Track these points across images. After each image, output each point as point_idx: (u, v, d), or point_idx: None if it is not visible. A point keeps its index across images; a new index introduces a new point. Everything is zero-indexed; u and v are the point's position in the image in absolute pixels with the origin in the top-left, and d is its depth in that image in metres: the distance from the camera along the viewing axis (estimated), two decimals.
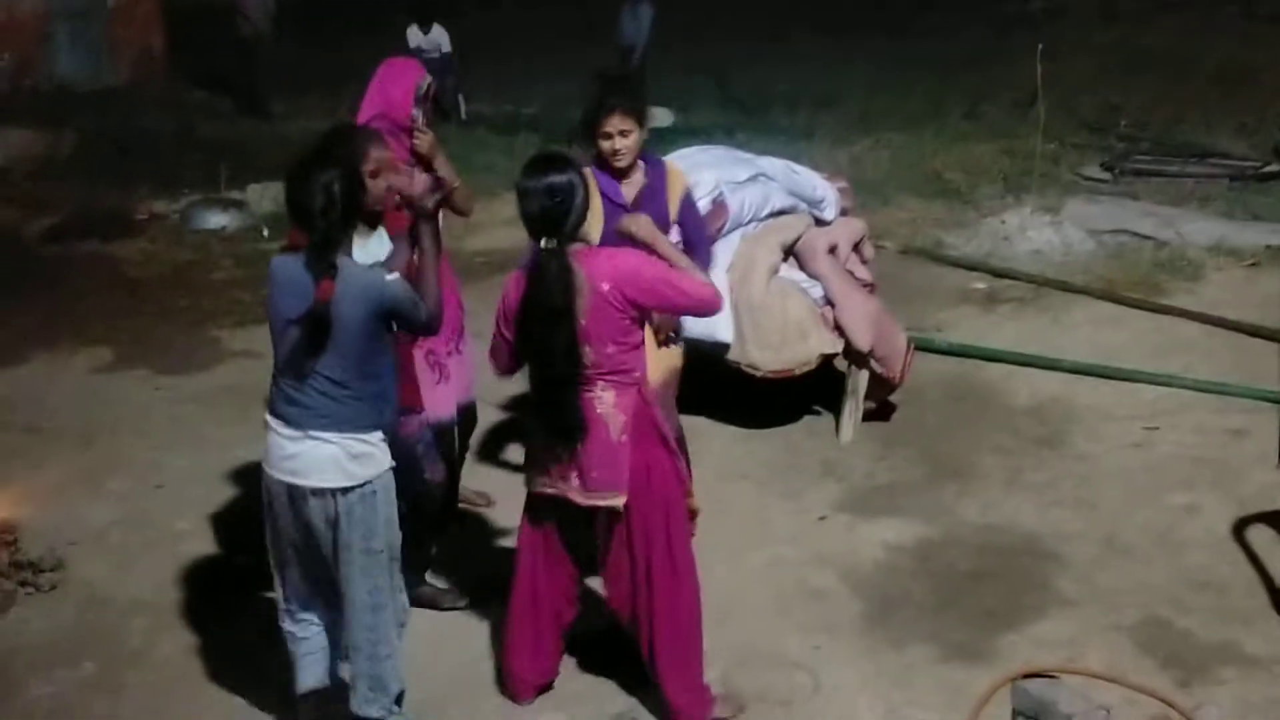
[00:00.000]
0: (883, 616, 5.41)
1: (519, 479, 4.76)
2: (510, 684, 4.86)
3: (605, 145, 5.19)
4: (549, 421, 4.46)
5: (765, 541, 6.04)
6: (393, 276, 4.17)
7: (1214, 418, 7.14)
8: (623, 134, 5.17)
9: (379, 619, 4.28)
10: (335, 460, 4.11)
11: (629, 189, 5.30)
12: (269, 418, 4.21)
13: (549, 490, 4.56)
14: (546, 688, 4.88)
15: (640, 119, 5.23)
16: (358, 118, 5.44)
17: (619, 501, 4.50)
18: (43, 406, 7.55)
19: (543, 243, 4.33)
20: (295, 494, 4.17)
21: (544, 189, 4.34)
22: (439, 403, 5.39)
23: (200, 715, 4.81)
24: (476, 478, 6.32)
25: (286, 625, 4.48)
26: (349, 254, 4.16)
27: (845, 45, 19.59)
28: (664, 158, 5.57)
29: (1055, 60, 13.44)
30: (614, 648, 4.91)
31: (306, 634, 4.48)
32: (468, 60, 16.54)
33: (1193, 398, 7.38)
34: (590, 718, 4.77)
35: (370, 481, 4.16)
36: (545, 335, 4.33)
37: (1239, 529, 5.90)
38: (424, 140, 5.35)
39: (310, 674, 4.50)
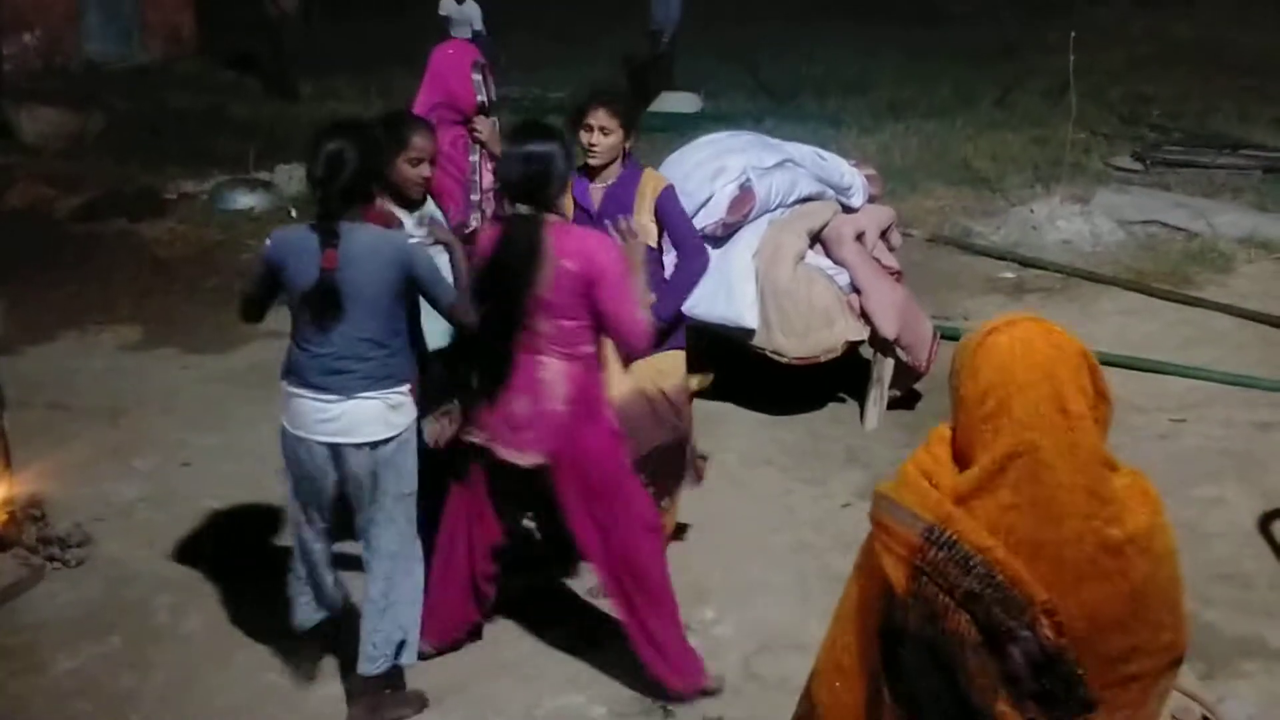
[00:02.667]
0: None
1: None
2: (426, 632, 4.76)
3: (584, 137, 5.10)
4: (489, 371, 4.53)
5: (789, 527, 6.04)
6: (411, 239, 4.30)
7: (1242, 410, 7.10)
8: (603, 130, 5.06)
9: (395, 566, 4.47)
10: (378, 415, 4.28)
11: (596, 192, 5.20)
12: (298, 389, 4.29)
13: (477, 439, 4.58)
14: (449, 646, 4.90)
15: (625, 123, 5.11)
16: (416, 106, 5.48)
17: (536, 460, 4.52)
18: (71, 384, 7.59)
19: (518, 208, 4.42)
20: (338, 452, 4.30)
21: (523, 155, 4.43)
22: None
23: (226, 691, 4.83)
24: None
25: (298, 582, 4.69)
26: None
27: (876, 33, 19.53)
28: (646, 168, 5.33)
29: (1088, 49, 13.38)
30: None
31: (318, 600, 4.69)
32: (499, 41, 16.51)
33: (1220, 390, 7.35)
34: (609, 697, 4.78)
35: (406, 427, 4.35)
36: (502, 296, 4.41)
37: (1265, 522, 5.88)
38: (482, 128, 5.44)
39: (305, 608, 4.71)
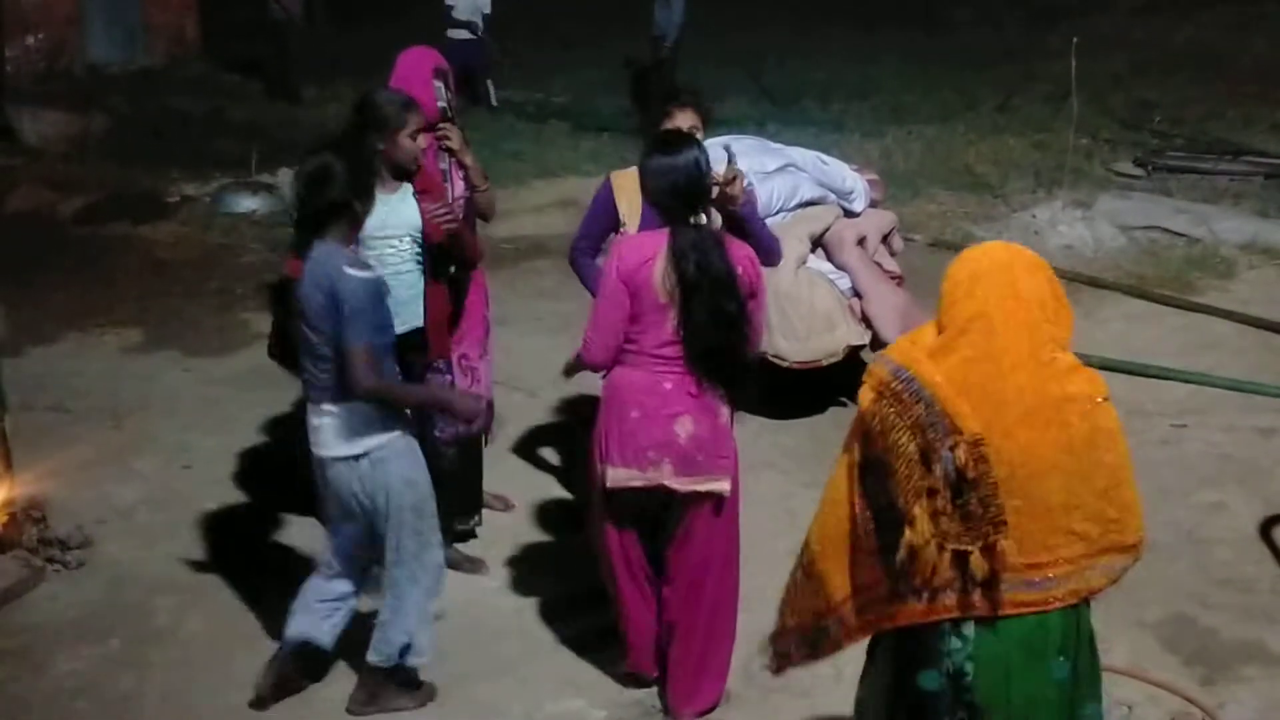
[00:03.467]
0: None
1: (538, 482, 4.74)
2: (642, 665, 4.81)
3: None
4: (653, 399, 4.36)
5: (790, 531, 5.98)
6: (359, 273, 4.20)
7: (1243, 416, 7.10)
8: (693, 129, 4.99)
9: (400, 574, 4.48)
10: (340, 430, 4.30)
11: None
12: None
13: (636, 484, 4.41)
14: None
15: (705, 119, 5.15)
16: None
17: (724, 485, 4.45)
18: (72, 386, 7.59)
19: (693, 219, 4.34)
20: (322, 466, 4.39)
21: (692, 163, 4.35)
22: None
23: (225, 693, 4.83)
24: (498, 480, 6.25)
25: (316, 578, 4.66)
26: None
27: (878, 38, 19.54)
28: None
29: (1090, 55, 13.37)
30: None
31: (328, 593, 4.65)
32: (501, 45, 16.53)
33: (1222, 396, 7.35)
34: (609, 701, 4.79)
35: (381, 447, 4.31)
36: (704, 308, 4.27)
37: (1265, 528, 5.88)
38: (452, 136, 5.34)
39: (306, 623, 4.64)
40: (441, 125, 5.31)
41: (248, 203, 11.36)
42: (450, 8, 15.42)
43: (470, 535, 5.81)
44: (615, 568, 4.65)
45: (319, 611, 4.64)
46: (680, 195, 4.35)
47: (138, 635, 5.21)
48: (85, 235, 10.71)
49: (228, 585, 5.53)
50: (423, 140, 4.98)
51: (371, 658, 4.60)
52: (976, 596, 3.12)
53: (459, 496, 5.53)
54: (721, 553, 4.61)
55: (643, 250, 4.36)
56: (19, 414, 6.05)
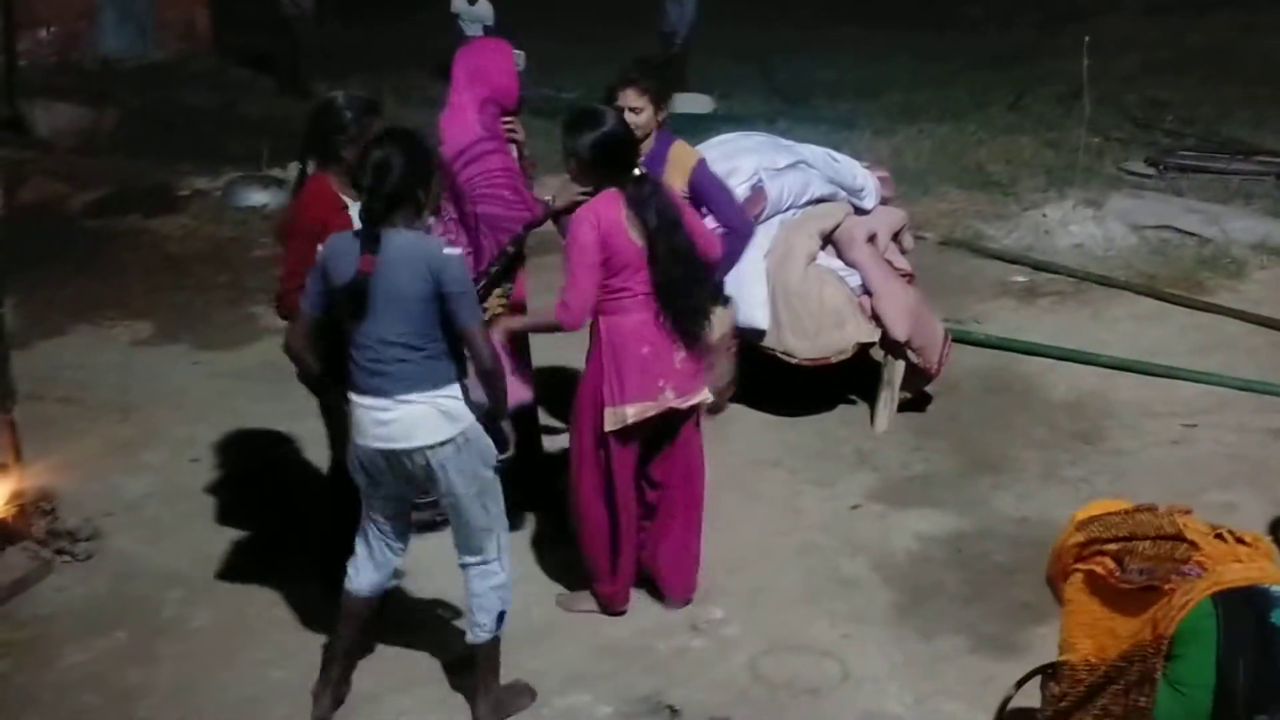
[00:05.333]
0: (914, 607, 5.39)
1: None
2: (614, 603, 5.28)
3: None
4: (688, 323, 4.95)
5: (797, 529, 6.03)
6: (452, 250, 4.28)
7: (1254, 416, 7.08)
8: (633, 110, 5.32)
9: (487, 540, 4.50)
10: (428, 419, 4.27)
11: None
12: (354, 395, 4.32)
13: (650, 414, 4.95)
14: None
15: (656, 99, 5.41)
16: (455, 109, 5.48)
17: (708, 394, 5.15)
18: (82, 379, 7.59)
19: (636, 171, 4.84)
20: (394, 459, 4.32)
21: (619, 127, 4.88)
22: (516, 388, 5.53)
23: (233, 687, 4.84)
24: None
25: (368, 538, 4.60)
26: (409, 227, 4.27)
27: (890, 36, 19.52)
28: (677, 139, 5.55)
29: (1101, 54, 13.31)
30: (636, 629, 4.93)
31: (382, 554, 4.61)
32: (514, 42, 16.51)
33: (1232, 396, 7.33)
34: (616, 696, 4.78)
35: (462, 431, 4.31)
36: (673, 247, 4.82)
37: (1276, 527, 5.85)
38: (518, 128, 5.54)
39: (367, 579, 4.61)
40: (508, 119, 5.41)
41: (258, 197, 11.35)
42: (455, 15, 15.50)
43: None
44: (621, 504, 5.09)
45: (378, 563, 4.61)
46: (621, 158, 4.84)
47: (146, 628, 5.21)
48: (96, 228, 10.72)
49: (236, 578, 5.54)
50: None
51: (478, 635, 4.56)
52: None
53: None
54: (699, 454, 5.29)
55: (605, 212, 4.79)
56: (28, 406, 6.05)
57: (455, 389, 4.31)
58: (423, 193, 4.30)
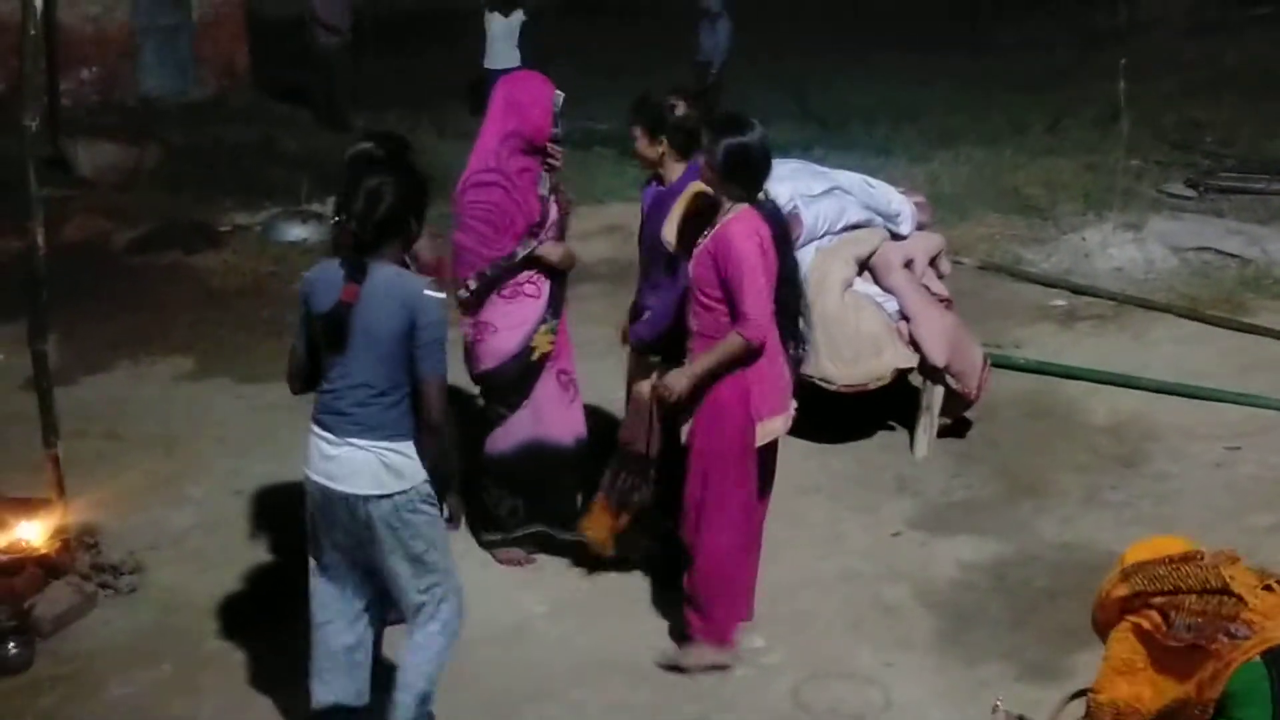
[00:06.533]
0: (956, 633, 5.36)
1: None
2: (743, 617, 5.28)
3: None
4: (796, 341, 5.23)
5: (839, 555, 6.01)
6: (434, 293, 4.10)
7: None
8: (637, 143, 5.54)
9: (420, 619, 4.31)
10: (369, 468, 4.12)
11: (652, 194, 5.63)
12: (311, 423, 4.25)
13: (788, 428, 5.19)
14: None
15: (651, 130, 5.46)
16: (484, 134, 5.51)
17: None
18: (125, 413, 7.66)
19: (763, 194, 4.94)
20: (331, 497, 4.20)
21: (763, 144, 4.92)
22: (574, 422, 5.73)
23: (278, 719, 4.85)
24: None
25: (321, 629, 4.42)
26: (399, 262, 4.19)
27: (925, 62, 19.49)
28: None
29: (1139, 77, 13.29)
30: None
31: (336, 641, 4.41)
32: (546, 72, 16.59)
33: (1276, 418, 7.27)
34: None
35: (405, 492, 4.14)
36: (791, 266, 5.02)
37: None
38: (559, 157, 5.56)
39: (335, 685, 4.42)
40: (549, 147, 5.45)
41: (298, 231, 11.43)
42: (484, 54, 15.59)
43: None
44: (746, 521, 5.09)
45: (343, 666, 4.41)
46: (754, 172, 4.87)
47: (190, 660, 5.24)
48: (138, 265, 10.81)
49: (279, 611, 5.54)
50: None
51: (396, 716, 4.34)
52: None
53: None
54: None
55: (756, 227, 4.82)
56: (73, 441, 6.10)
57: (407, 445, 4.14)
58: (415, 221, 4.21)
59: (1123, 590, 3.73)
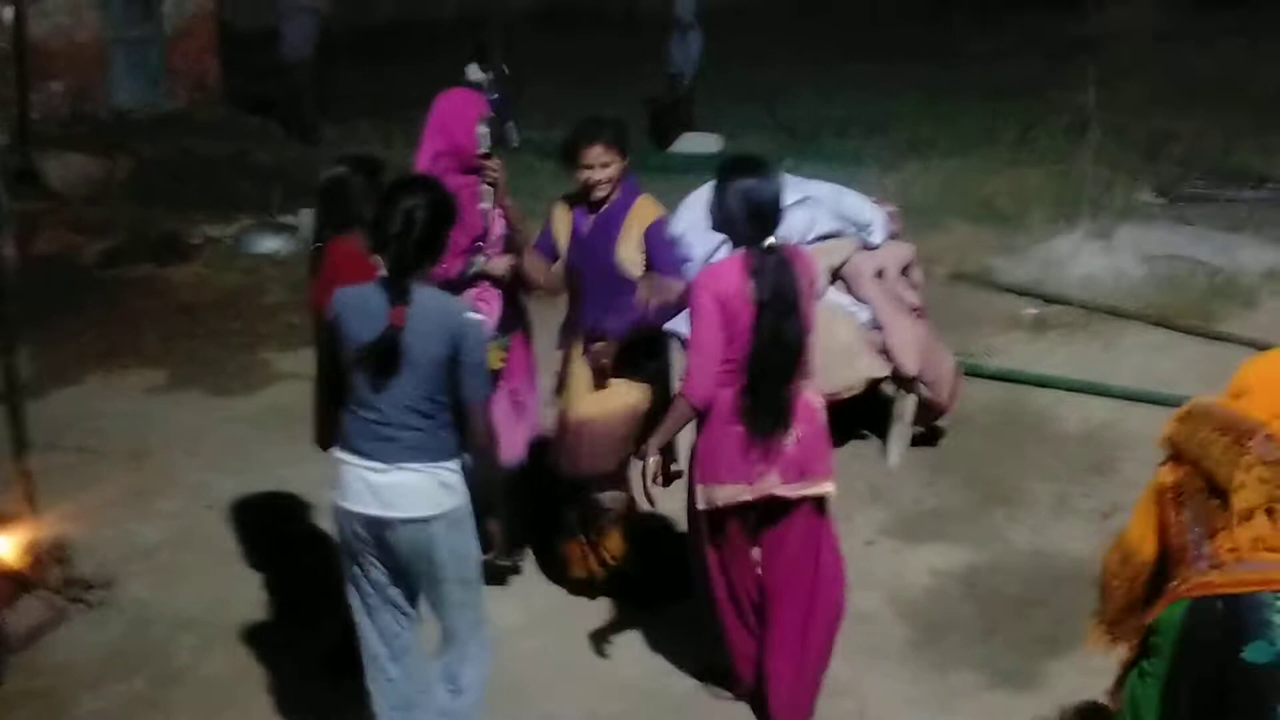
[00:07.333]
0: (929, 642, 5.38)
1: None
2: (743, 676, 4.91)
3: (584, 175, 5.24)
4: (764, 415, 4.49)
5: None
6: (474, 315, 4.12)
7: None
8: (603, 165, 5.21)
9: (465, 652, 4.31)
10: (425, 489, 4.08)
11: (590, 217, 5.35)
12: (345, 454, 4.13)
13: (746, 498, 4.55)
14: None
15: (622, 151, 5.26)
16: (419, 154, 5.48)
17: (829, 487, 4.62)
18: (96, 426, 7.62)
19: (768, 241, 4.48)
20: (382, 527, 4.10)
21: (773, 190, 4.53)
22: (516, 444, 5.57)
23: None
24: None
25: (377, 678, 4.35)
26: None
27: (896, 73, 19.57)
28: (643, 193, 5.38)
29: (1109, 86, 13.37)
30: (649, 669, 4.91)
31: (399, 688, 4.37)
32: (520, 85, 16.62)
33: None
34: None
35: (457, 508, 4.14)
36: (778, 329, 4.45)
37: None
38: (498, 171, 5.42)
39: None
40: (483, 163, 5.38)
41: (269, 243, 11.40)
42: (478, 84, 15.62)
43: (514, 572, 5.82)
44: (715, 589, 4.76)
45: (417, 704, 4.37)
46: (762, 219, 4.49)
47: (161, 675, 5.22)
48: (109, 278, 10.77)
49: (250, 624, 5.54)
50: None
51: None
52: None
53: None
54: (818, 553, 4.71)
55: (728, 275, 4.49)
56: (43, 455, 6.08)
57: (456, 464, 4.15)
58: (446, 238, 4.23)
59: (1169, 430, 3.77)
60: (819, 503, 4.65)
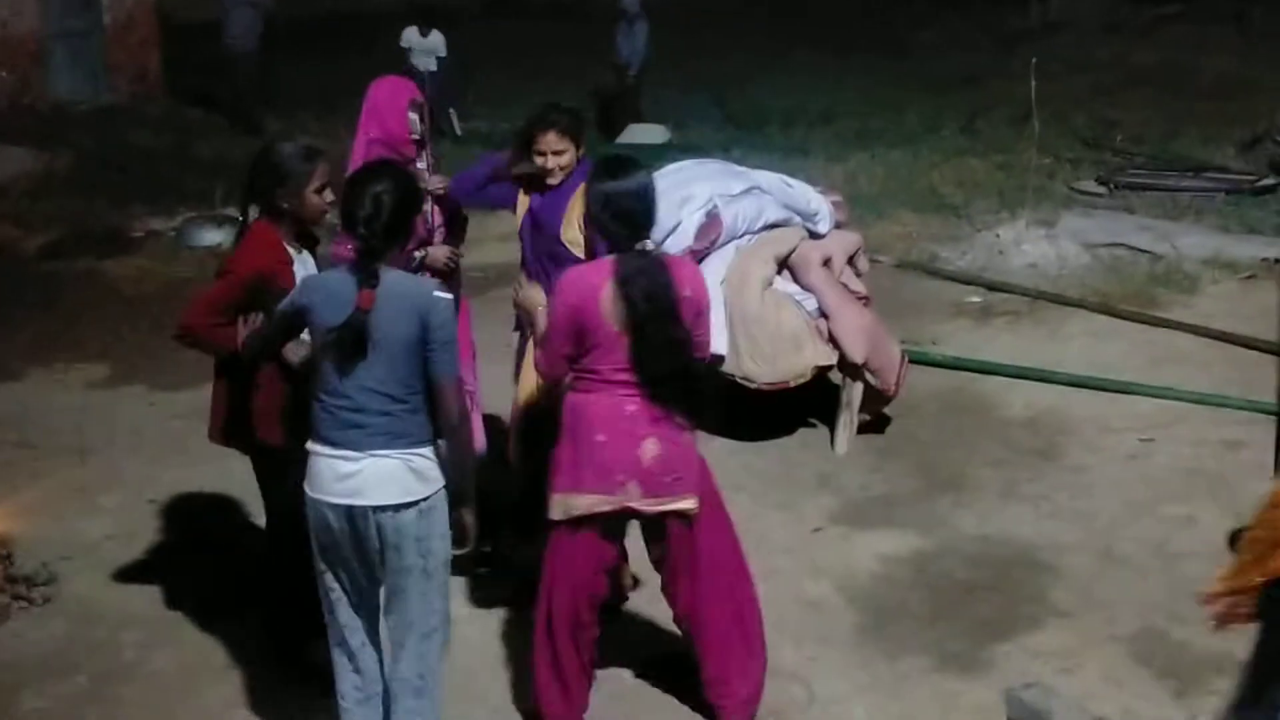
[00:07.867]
0: (878, 627, 5.40)
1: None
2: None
3: (539, 162, 5.26)
4: (613, 421, 4.34)
5: (760, 553, 5.97)
6: (443, 294, 4.07)
7: (1210, 429, 7.13)
8: (556, 153, 5.23)
9: (430, 645, 4.22)
10: (397, 476, 4.02)
11: (541, 198, 5.40)
12: (316, 445, 4.07)
13: (604, 509, 4.38)
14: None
15: (576, 138, 5.28)
16: (355, 142, 5.46)
17: (691, 504, 4.44)
18: (38, 422, 7.54)
19: (640, 245, 4.35)
20: (354, 514, 4.04)
21: (641, 189, 4.39)
22: (475, 432, 5.54)
23: None
24: None
25: (342, 669, 4.30)
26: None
27: (843, 64, 19.67)
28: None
29: (1052, 77, 13.48)
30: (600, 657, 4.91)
31: (366, 686, 4.32)
32: (467, 73, 16.58)
33: (1188, 410, 7.38)
34: None
35: (429, 497, 4.08)
36: (655, 336, 4.28)
37: (1235, 540, 5.89)
38: (443, 188, 5.48)
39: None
40: (419, 150, 5.35)
41: (212, 236, 11.30)
42: (408, 49, 15.59)
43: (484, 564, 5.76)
44: (542, 614, 4.57)
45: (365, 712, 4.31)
46: (628, 221, 4.36)
47: (105, 671, 5.16)
48: (50, 271, 10.66)
49: (195, 619, 5.48)
50: (329, 194, 4.71)
51: None
52: None
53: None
54: (711, 552, 4.58)
55: (588, 281, 4.34)
56: None
57: (430, 450, 4.07)
58: (412, 222, 4.22)
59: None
60: (684, 518, 4.47)
